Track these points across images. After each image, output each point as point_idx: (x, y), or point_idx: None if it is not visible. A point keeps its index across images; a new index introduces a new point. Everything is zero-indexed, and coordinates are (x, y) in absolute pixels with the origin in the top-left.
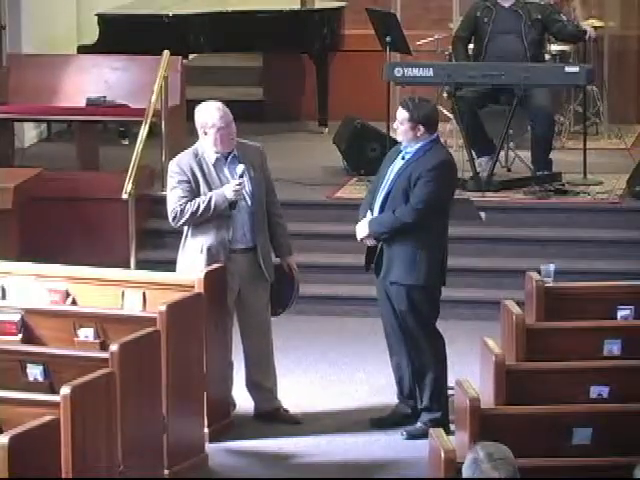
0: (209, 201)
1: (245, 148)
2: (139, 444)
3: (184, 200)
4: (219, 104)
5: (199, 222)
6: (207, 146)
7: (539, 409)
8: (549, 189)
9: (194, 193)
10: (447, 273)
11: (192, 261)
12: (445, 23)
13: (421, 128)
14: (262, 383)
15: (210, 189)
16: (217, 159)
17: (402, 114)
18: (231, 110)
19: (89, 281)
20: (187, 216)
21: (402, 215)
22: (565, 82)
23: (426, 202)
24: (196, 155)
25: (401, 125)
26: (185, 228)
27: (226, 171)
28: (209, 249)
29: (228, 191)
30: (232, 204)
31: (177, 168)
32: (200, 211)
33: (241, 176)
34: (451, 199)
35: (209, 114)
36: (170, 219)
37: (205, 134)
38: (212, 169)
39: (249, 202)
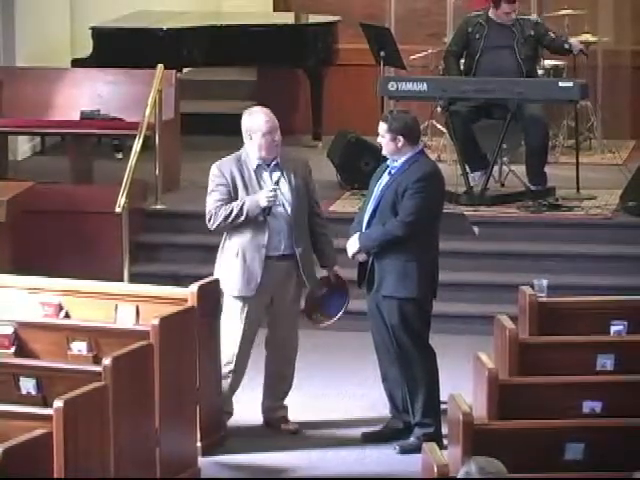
0: (242, 206)
1: (290, 158)
2: (131, 457)
3: (220, 203)
4: (267, 110)
5: (233, 226)
6: (251, 151)
7: (532, 424)
8: (542, 204)
9: (232, 197)
10: (440, 287)
11: (228, 265)
12: (439, 38)
13: (401, 139)
14: (279, 393)
15: (249, 194)
16: (259, 165)
17: (382, 127)
18: (226, 124)
19: (82, 294)
20: (220, 219)
21: (392, 229)
22: (559, 97)
23: (415, 214)
24: (239, 160)
25: (383, 138)
26: (224, 232)
27: (266, 178)
28: (244, 254)
29: (262, 198)
30: (266, 210)
31: (217, 171)
32: (233, 216)
33: (276, 183)
34: (440, 210)
35: (256, 119)
36: (206, 221)
37: (250, 138)
38: (253, 175)
39: (287, 210)
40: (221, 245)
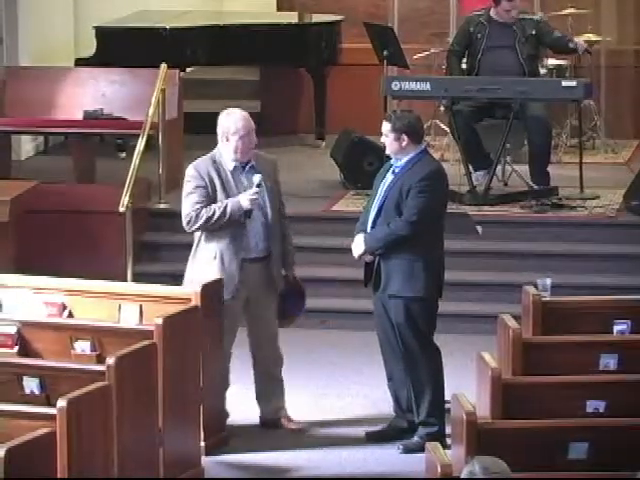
0: (224, 208)
1: (261, 159)
2: (135, 457)
3: (199, 205)
4: (244, 112)
5: (212, 229)
6: (226, 153)
7: (535, 423)
8: (546, 203)
9: (210, 199)
10: (444, 287)
11: (203, 269)
12: (442, 37)
13: (405, 138)
14: (272, 393)
15: (227, 196)
16: (235, 167)
17: (385, 126)
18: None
19: (86, 294)
20: (201, 222)
21: (397, 228)
22: (562, 96)
23: (419, 213)
24: (214, 161)
25: (386, 137)
26: (197, 236)
27: (243, 179)
28: (222, 257)
29: (244, 200)
30: (247, 213)
31: (195, 173)
32: (215, 218)
33: (258, 185)
34: (445, 209)
35: (233, 121)
36: (184, 223)
37: (227, 140)
38: (230, 176)
39: (264, 212)
40: (193, 251)
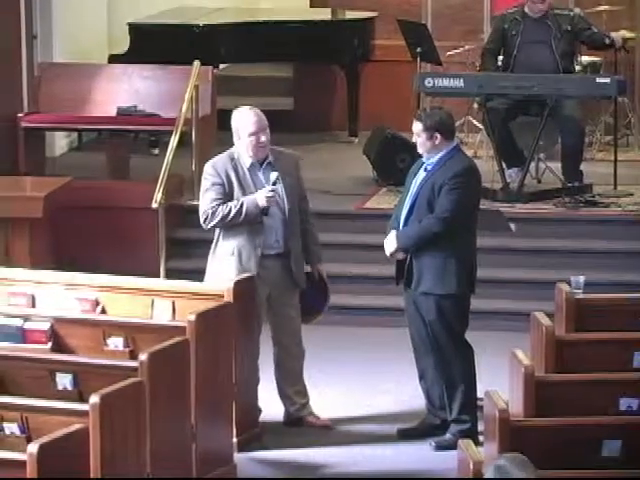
0: (241, 206)
1: (280, 155)
2: (168, 453)
3: (216, 203)
4: (255, 110)
5: (229, 226)
6: (241, 150)
7: (568, 421)
8: (579, 201)
9: (227, 196)
10: (477, 284)
11: (222, 265)
12: (476, 34)
13: (438, 136)
14: (295, 390)
15: (244, 193)
16: (252, 164)
17: (417, 126)
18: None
19: (119, 290)
20: (218, 219)
21: (429, 225)
22: (596, 93)
23: (452, 210)
24: (232, 159)
25: (418, 137)
26: (216, 232)
27: (260, 176)
28: (240, 253)
29: (260, 198)
30: (264, 210)
31: (212, 170)
32: (231, 215)
33: (274, 183)
34: (477, 205)
35: (244, 119)
36: (201, 220)
37: (239, 138)
38: (247, 173)
39: (282, 209)
40: (212, 248)
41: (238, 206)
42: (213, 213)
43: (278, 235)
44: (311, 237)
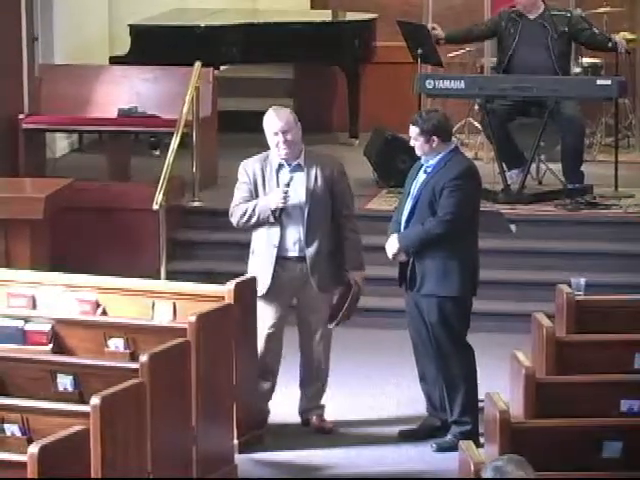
0: (254, 207)
1: (317, 159)
2: (168, 455)
3: (239, 202)
4: (282, 109)
5: (248, 226)
6: (272, 151)
7: (569, 422)
8: (580, 202)
9: (252, 196)
10: (478, 285)
11: (250, 263)
12: None
13: (435, 139)
14: (310, 393)
15: (266, 194)
16: (280, 165)
17: (413, 130)
18: (263, 121)
19: (119, 291)
20: (236, 218)
21: (431, 227)
22: (597, 95)
23: (453, 212)
24: (265, 158)
25: (416, 141)
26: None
27: (286, 178)
28: (258, 252)
29: (271, 199)
30: (276, 212)
31: (242, 169)
32: (246, 216)
33: (287, 185)
34: (478, 206)
35: (269, 118)
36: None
37: (268, 139)
38: (274, 174)
39: (302, 212)
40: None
41: (252, 207)
42: (234, 212)
43: (297, 238)
44: (350, 243)
